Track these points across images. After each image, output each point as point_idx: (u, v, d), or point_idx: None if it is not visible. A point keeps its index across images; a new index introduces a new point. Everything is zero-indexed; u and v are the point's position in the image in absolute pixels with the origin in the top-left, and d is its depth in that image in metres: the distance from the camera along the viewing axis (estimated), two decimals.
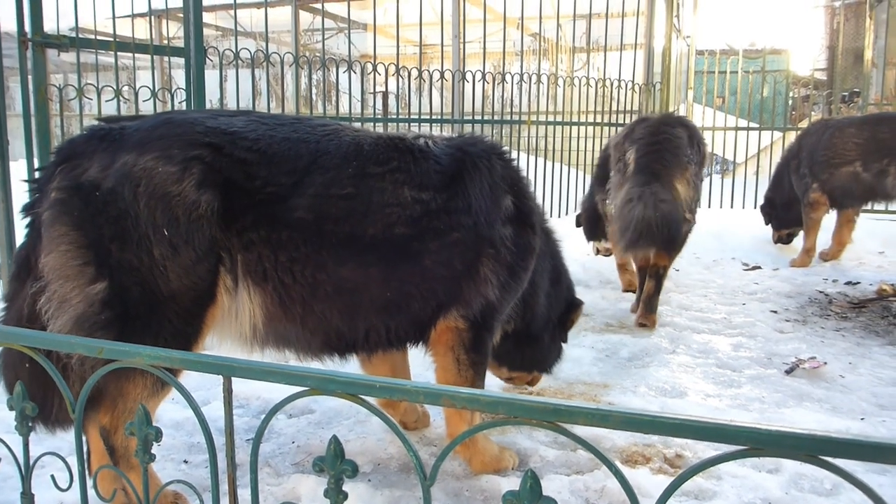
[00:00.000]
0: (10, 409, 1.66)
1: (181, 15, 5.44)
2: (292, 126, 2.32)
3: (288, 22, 11.01)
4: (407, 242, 2.31)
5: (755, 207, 8.33)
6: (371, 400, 1.38)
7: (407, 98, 9.27)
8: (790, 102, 14.75)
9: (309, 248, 2.21)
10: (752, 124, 8.95)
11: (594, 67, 9.32)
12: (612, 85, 8.11)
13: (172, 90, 5.18)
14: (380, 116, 8.14)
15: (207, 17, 8.92)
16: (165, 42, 10.96)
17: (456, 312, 2.48)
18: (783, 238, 6.58)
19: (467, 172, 2.46)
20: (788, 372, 3.64)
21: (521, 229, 2.57)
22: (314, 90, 10.32)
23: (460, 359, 2.52)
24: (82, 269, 2.03)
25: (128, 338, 2.05)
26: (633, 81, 8.27)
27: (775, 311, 4.85)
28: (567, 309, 3.07)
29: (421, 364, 2.84)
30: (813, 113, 18.72)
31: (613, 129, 8.44)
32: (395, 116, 8.08)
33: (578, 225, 5.80)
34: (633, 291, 5.02)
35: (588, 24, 8.14)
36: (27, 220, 2.19)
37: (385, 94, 8.70)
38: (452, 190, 2.42)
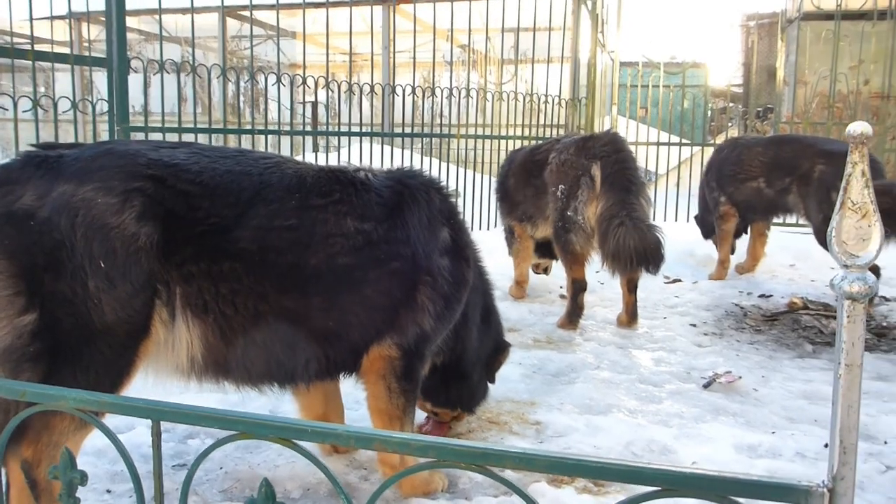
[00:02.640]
0: None
1: (102, 18, 5.30)
2: (235, 159, 2.33)
3: (214, 27, 10.82)
4: (349, 272, 2.36)
5: (675, 220, 8.67)
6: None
7: (337, 108, 9.24)
8: (708, 115, 15.38)
9: (251, 279, 2.22)
10: (673, 138, 9.29)
11: (522, 80, 9.50)
12: (539, 99, 8.29)
13: (94, 101, 5.03)
14: (308, 128, 8.09)
15: (130, 21, 8.67)
16: (86, 45, 10.62)
17: (390, 340, 2.53)
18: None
19: (406, 204, 2.54)
20: (706, 386, 3.81)
21: (457, 261, 2.66)
22: (242, 98, 10.18)
23: (391, 387, 2.56)
24: (12, 300, 1.99)
25: (57, 370, 2.02)
26: (559, 96, 8.47)
27: (694, 325, 5.06)
28: (495, 349, 3.14)
29: (351, 389, 2.88)
30: (729, 125, 19.51)
31: (538, 142, 8.61)
32: (324, 128, 8.04)
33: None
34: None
35: (516, 37, 8.30)
36: None
37: (315, 105, 8.64)
38: (392, 221, 2.48)
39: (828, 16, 9.02)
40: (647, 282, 6.37)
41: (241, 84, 6.31)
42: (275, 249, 2.26)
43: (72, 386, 1.98)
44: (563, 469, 1.23)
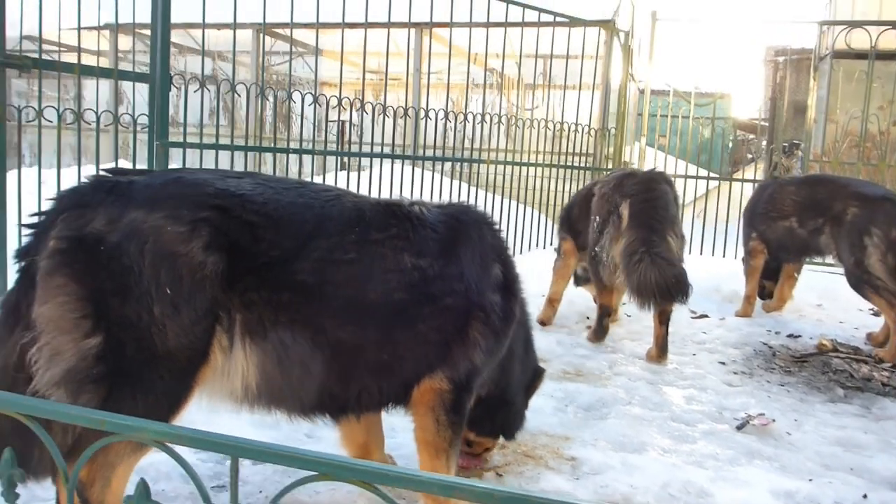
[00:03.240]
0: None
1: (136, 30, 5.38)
2: (297, 190, 2.38)
3: (247, 42, 10.96)
4: (404, 307, 2.40)
5: (701, 253, 8.65)
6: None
7: (363, 128, 9.33)
8: (729, 146, 15.40)
9: (310, 311, 2.26)
10: (701, 172, 9.30)
11: (550, 107, 9.55)
12: (569, 128, 8.33)
13: (135, 115, 5.11)
14: (334, 148, 8.15)
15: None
16: (121, 56, 10.76)
17: (442, 374, 2.56)
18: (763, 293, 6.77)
19: (461, 240, 2.59)
20: (739, 428, 3.80)
21: (507, 297, 2.70)
22: (275, 116, 10.29)
23: (440, 419, 2.58)
24: (79, 322, 2.03)
25: (117, 393, 2.06)
26: (589, 125, 8.51)
27: (724, 363, 5.05)
28: (533, 377, 3.18)
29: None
30: (748, 157, 19.45)
31: (569, 170, 8.66)
32: (352, 149, 8.08)
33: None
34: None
35: (547, 64, 8.37)
36: (20, 265, 2.16)
37: (343, 125, 8.72)
38: (447, 257, 2.53)
39: (858, 55, 9.04)
40: (674, 316, 6.37)
41: (276, 101, 6.37)
42: (334, 283, 2.30)
43: (130, 410, 2.01)
44: None
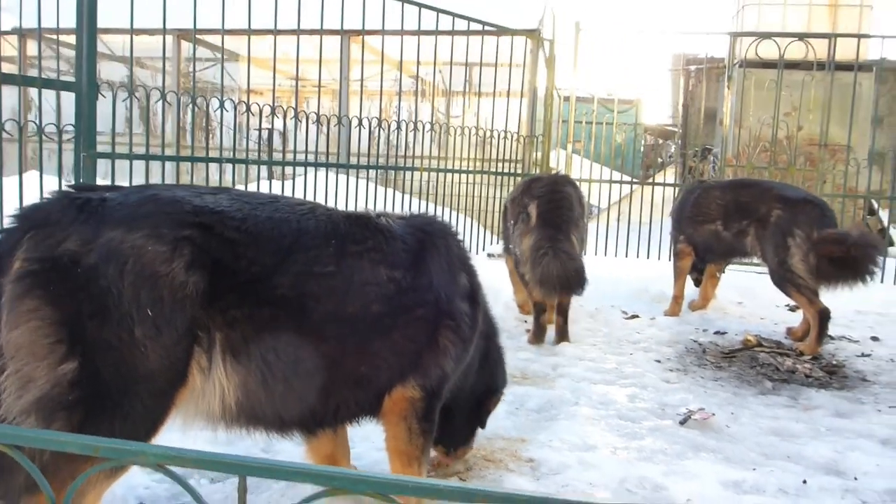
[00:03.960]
0: None
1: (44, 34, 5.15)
2: (272, 205, 2.36)
3: (167, 49, 10.62)
4: (381, 318, 2.42)
5: (626, 256, 8.95)
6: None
7: (288, 136, 9.22)
8: (641, 150, 15.96)
9: (292, 325, 2.25)
10: (624, 177, 9.61)
11: (474, 114, 9.68)
12: (499, 136, 8.47)
13: (61, 126, 4.90)
14: (256, 157, 8.01)
15: (69, 38, 8.42)
16: (29, 63, 10.28)
17: (414, 381, 2.58)
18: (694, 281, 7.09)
19: (428, 251, 2.62)
20: (682, 423, 3.95)
21: (472, 305, 2.75)
22: (206, 123, 10.03)
23: (412, 427, 2.61)
24: (53, 348, 1.94)
25: (93, 419, 1.99)
26: (518, 132, 8.68)
27: (659, 361, 5.24)
28: (486, 392, 3.16)
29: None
30: (660, 161, 20.21)
31: (499, 177, 8.80)
32: (278, 158, 7.97)
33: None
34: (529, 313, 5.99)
35: (480, 71, 8.49)
36: None
37: (270, 133, 8.60)
38: (417, 268, 2.56)
39: (766, 64, 9.56)
40: (608, 317, 6.59)
41: (208, 109, 6.23)
42: (315, 296, 2.30)
43: (107, 435, 1.94)
44: None
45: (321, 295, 2.31)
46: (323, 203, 2.76)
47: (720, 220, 6.21)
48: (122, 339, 1.99)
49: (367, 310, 2.39)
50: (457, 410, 3.04)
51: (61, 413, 1.96)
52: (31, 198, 4.32)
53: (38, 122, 4.78)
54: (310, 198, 6.59)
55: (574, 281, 5.11)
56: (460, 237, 2.90)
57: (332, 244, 2.36)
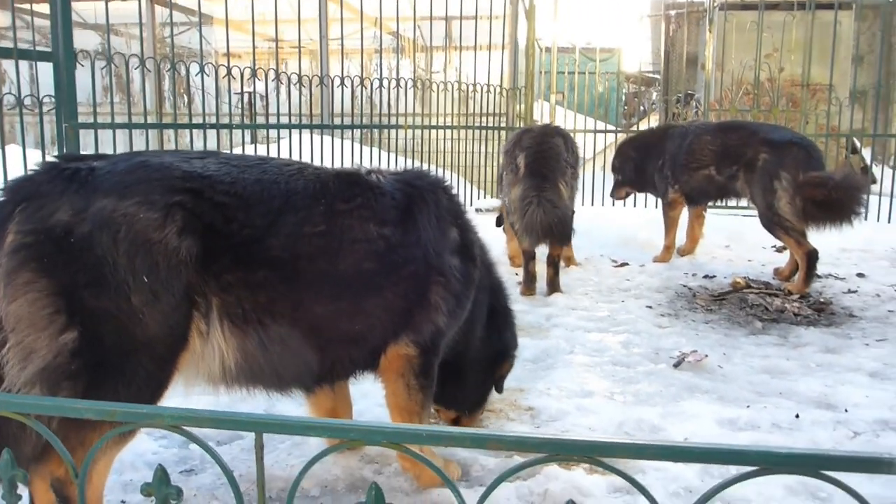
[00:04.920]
0: None
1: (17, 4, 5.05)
2: (260, 167, 2.36)
3: (135, 14, 10.41)
4: (372, 276, 2.43)
5: (613, 205, 8.97)
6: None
7: (270, 99, 9.11)
8: (623, 99, 15.89)
9: (286, 287, 2.26)
10: (608, 126, 9.60)
11: (455, 69, 9.61)
12: (481, 90, 8.41)
13: (41, 98, 4.82)
14: (238, 121, 7.93)
15: (41, 7, 8.21)
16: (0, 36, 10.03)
17: (407, 339, 2.60)
18: (621, 196, 7.47)
19: (417, 206, 2.61)
20: (676, 366, 4.03)
21: (465, 260, 2.75)
22: (169, 90, 9.87)
23: (410, 384, 2.64)
24: (52, 318, 1.95)
25: (97, 386, 2.01)
26: (500, 86, 8.61)
27: (650, 307, 5.31)
28: (498, 355, 3.16)
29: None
30: (642, 108, 20.11)
31: (483, 131, 8.77)
32: (260, 122, 7.87)
33: (499, 225, 6.77)
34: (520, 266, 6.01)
35: (456, 25, 8.40)
36: None
37: (251, 96, 8.49)
38: (406, 224, 2.55)
39: (746, 6, 9.50)
40: (598, 266, 6.65)
41: (188, 75, 6.14)
42: (306, 256, 2.31)
43: (112, 400, 1.96)
44: (672, 456, 1.34)
45: (313, 255, 2.32)
46: (309, 163, 2.74)
47: (713, 166, 6.22)
48: (119, 307, 2.01)
49: (358, 268, 2.40)
50: (465, 371, 3.05)
51: (65, 382, 1.98)
52: (16, 172, 4.32)
53: (16, 94, 4.69)
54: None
55: (557, 229, 5.21)
56: (453, 191, 2.89)
57: (321, 203, 2.36)
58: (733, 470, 1.34)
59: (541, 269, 5.75)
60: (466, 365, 3.05)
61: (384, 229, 2.49)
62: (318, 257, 2.34)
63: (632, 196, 8.71)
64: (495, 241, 6.59)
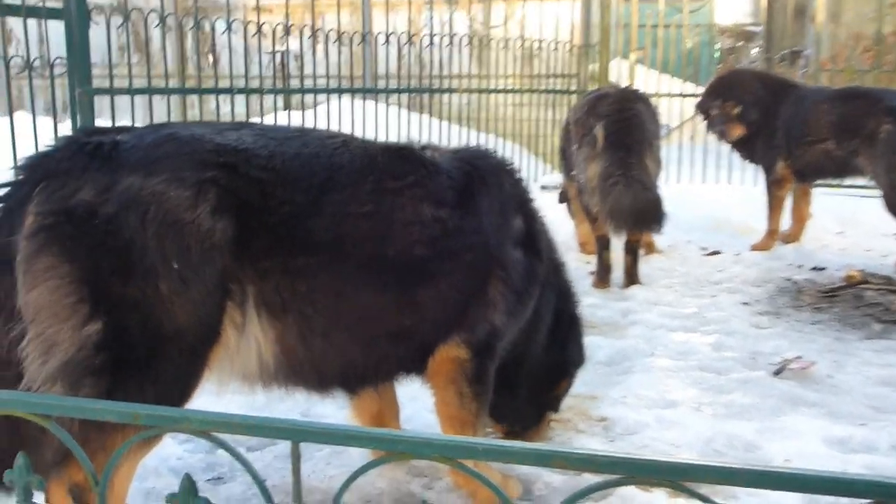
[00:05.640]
0: (10, 483, 1.67)
1: None
2: (300, 140, 2.43)
3: None
4: (424, 264, 2.48)
5: (703, 181, 8.83)
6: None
7: (306, 60, 9.20)
8: (717, 55, 15.58)
9: (329, 274, 2.33)
10: (698, 89, 9.43)
11: (518, 23, 9.56)
12: (548, 47, 8.36)
13: (51, 60, 4.97)
14: (270, 85, 8.03)
15: None
16: None
17: (459, 338, 2.63)
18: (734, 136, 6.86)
19: (477, 189, 2.65)
20: (776, 374, 3.98)
21: (529, 253, 2.77)
22: (193, 49, 10.06)
23: (463, 392, 2.67)
24: (75, 308, 2.04)
25: (122, 383, 2.10)
26: (570, 42, 8.55)
27: (747, 303, 5.25)
28: (558, 371, 3.14)
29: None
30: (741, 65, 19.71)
31: (550, 95, 8.72)
32: (295, 85, 7.95)
33: (561, 202, 6.76)
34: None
35: None
36: None
37: (284, 57, 8.60)
38: (465, 207, 2.59)
39: None
40: (684, 254, 6.60)
41: (213, 34, 6.26)
42: (351, 239, 2.36)
43: (137, 400, 2.04)
44: (769, 482, 1.33)
45: (358, 238, 2.38)
46: (353, 134, 2.79)
47: (832, 139, 6.07)
48: (147, 296, 2.08)
49: (408, 253, 2.44)
50: (520, 382, 3.05)
51: (88, 379, 2.07)
52: (25, 141, 4.48)
53: (25, 56, 4.85)
54: (333, 128, 6.62)
55: (650, 215, 5.12)
56: (519, 175, 2.91)
57: (369, 180, 2.41)
58: (844, 502, 1.33)
59: (616, 257, 5.73)
60: (522, 375, 3.05)
61: (439, 211, 2.52)
62: (365, 241, 2.39)
63: (724, 170, 8.57)
64: (562, 222, 6.59)
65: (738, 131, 6.74)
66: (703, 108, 7.05)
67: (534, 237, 2.84)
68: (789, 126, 6.38)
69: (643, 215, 5.11)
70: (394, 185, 2.46)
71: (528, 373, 3.06)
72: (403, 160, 2.55)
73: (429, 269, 2.51)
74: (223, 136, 2.28)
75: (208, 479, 2.99)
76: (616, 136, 5.29)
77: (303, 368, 2.40)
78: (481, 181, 2.68)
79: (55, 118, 5.04)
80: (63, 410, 1.63)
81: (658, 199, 5.19)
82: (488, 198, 2.67)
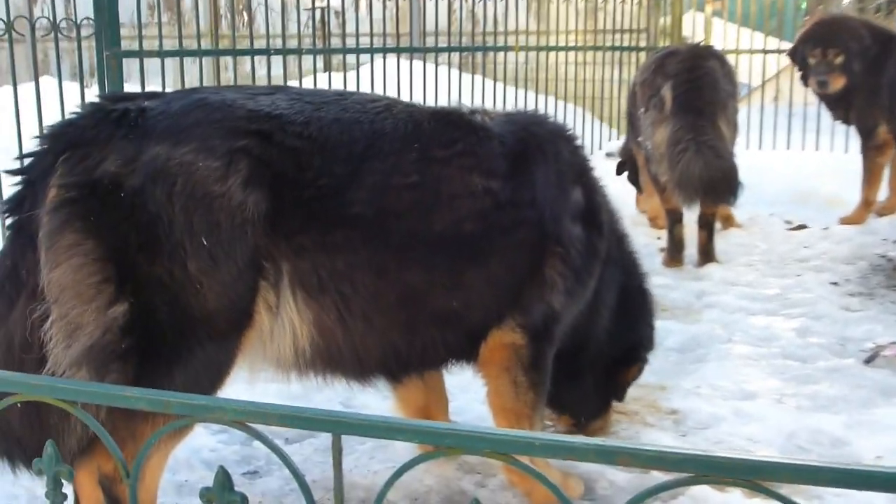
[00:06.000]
0: (38, 472, 1.73)
1: None
2: (339, 104, 2.45)
3: None
4: (474, 240, 2.49)
5: (788, 147, 8.64)
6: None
7: (348, 17, 9.22)
8: (803, 6, 15.20)
9: (370, 251, 2.35)
10: (782, 44, 9.23)
11: None
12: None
13: (78, 21, 5.07)
14: (309, 45, 8.06)
15: None
16: None
17: (514, 322, 2.64)
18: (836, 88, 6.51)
19: (532, 158, 2.65)
20: (868, 361, 3.92)
21: (589, 228, 2.76)
22: (226, 7, 10.17)
23: (518, 381, 2.69)
24: (100, 288, 2.10)
25: (150, 369, 2.16)
26: None
27: (836, 283, 5.17)
28: (627, 355, 3.15)
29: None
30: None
31: (616, 53, 8.61)
32: (336, 45, 7.98)
33: (620, 172, 6.66)
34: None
35: None
36: (11, 221, 2.21)
37: (324, 13, 8.64)
38: (519, 179, 2.59)
39: None
40: (766, 228, 6.51)
41: None
42: (394, 213, 2.39)
43: (166, 388, 2.09)
44: (858, 481, 1.31)
45: (402, 211, 2.40)
46: (398, 98, 2.80)
47: None
48: (174, 275, 2.13)
49: (457, 229, 2.46)
50: (582, 369, 3.06)
51: (115, 364, 2.13)
52: (51, 107, 4.58)
53: (51, 17, 4.95)
54: (377, 91, 6.63)
55: (722, 185, 5.05)
56: (577, 141, 2.90)
57: (414, 149, 2.43)
58: None
59: (690, 232, 5.66)
60: (585, 362, 3.06)
61: (491, 183, 2.53)
62: (409, 215, 2.41)
63: (811, 134, 8.35)
64: (628, 193, 6.55)
65: (840, 82, 6.43)
66: (798, 56, 6.71)
67: (594, 210, 2.83)
68: (894, 82, 6.17)
69: (715, 185, 5.03)
70: (441, 153, 2.47)
71: (591, 358, 3.07)
72: (452, 126, 2.55)
73: (479, 246, 2.52)
74: (256, 102, 2.30)
75: (243, 473, 3.05)
76: (685, 98, 5.23)
77: (341, 354, 2.43)
78: (537, 149, 2.68)
79: (82, 83, 5.14)
80: (91, 397, 1.69)
81: (732, 167, 5.11)
82: (544, 167, 2.66)
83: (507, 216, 2.55)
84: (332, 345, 2.39)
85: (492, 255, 2.56)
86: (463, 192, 2.47)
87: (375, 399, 3.47)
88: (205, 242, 2.13)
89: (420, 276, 2.45)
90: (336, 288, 2.32)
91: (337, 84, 7.01)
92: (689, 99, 5.24)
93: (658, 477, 2.85)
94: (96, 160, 2.12)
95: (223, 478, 1.61)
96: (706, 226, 5.57)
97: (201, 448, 3.19)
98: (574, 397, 3.13)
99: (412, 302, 2.46)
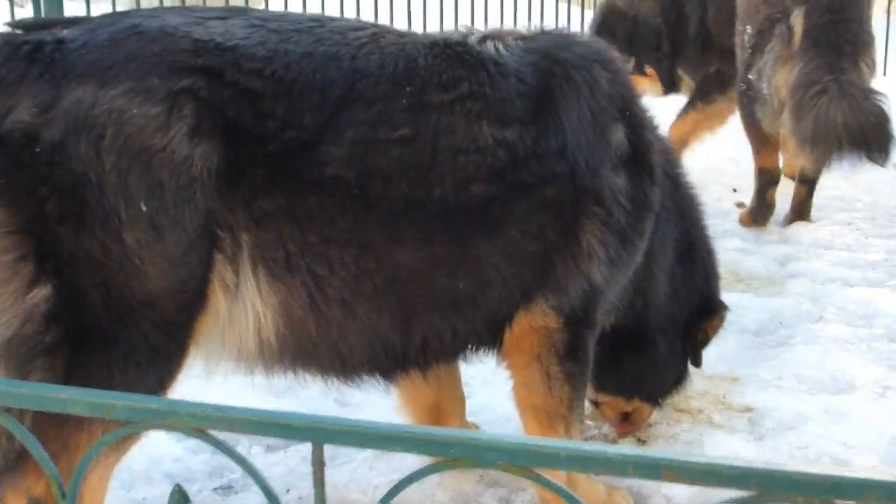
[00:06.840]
0: None
1: None
2: (312, 33, 2.40)
3: None
4: (485, 204, 2.47)
5: (884, 74, 8.50)
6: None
7: None
8: None
9: (350, 221, 2.33)
10: None
11: None
12: None
13: None
14: None
15: None
16: None
17: (545, 303, 2.64)
18: None
19: (560, 93, 2.60)
20: None
21: (638, 176, 2.74)
22: None
23: (551, 372, 2.69)
24: (16, 268, 2.10)
25: (82, 365, 2.17)
26: None
27: None
28: (700, 311, 3.18)
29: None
30: None
31: None
32: None
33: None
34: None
35: None
36: None
37: None
38: (542, 123, 2.56)
39: None
40: (872, 177, 6.43)
41: None
42: (381, 175, 2.36)
43: (103, 387, 2.10)
44: None
45: (393, 172, 2.37)
46: (390, 24, 2.76)
47: None
48: (107, 250, 2.13)
49: (462, 193, 2.43)
50: (644, 340, 3.10)
51: (40, 360, 2.14)
52: None
53: None
54: (369, 13, 6.50)
55: (876, 134, 4.81)
56: (620, 66, 2.85)
57: (406, 91, 2.39)
58: None
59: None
60: (646, 332, 3.09)
61: (506, 132, 2.50)
62: (401, 177, 2.39)
63: None
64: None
65: None
66: None
67: (644, 153, 2.80)
68: None
69: (865, 135, 4.79)
70: (441, 97, 2.44)
71: (656, 326, 3.11)
72: (455, 61, 2.51)
73: (492, 213, 2.49)
74: (206, 29, 2.28)
75: (215, 489, 3.08)
76: (825, 31, 5.04)
77: (316, 347, 2.43)
78: (566, 81, 2.63)
79: (12, 2, 5.14)
80: (15, 400, 1.70)
81: (884, 113, 4.89)
82: (576, 104, 2.62)
83: (529, 172, 2.53)
84: (303, 336, 2.39)
85: (510, 223, 2.53)
86: (469, 146, 2.44)
87: (376, 395, 3.48)
88: (144, 208, 2.13)
89: (416, 252, 2.43)
90: (307, 266, 2.31)
91: (313, 6, 6.89)
92: (831, 34, 5.05)
93: (721, 494, 2.87)
94: (4, 108, 2.10)
95: (180, 498, 1.63)
96: (807, 181, 5.52)
97: (163, 457, 3.22)
98: (648, 372, 3.16)
99: (407, 285, 2.45)
